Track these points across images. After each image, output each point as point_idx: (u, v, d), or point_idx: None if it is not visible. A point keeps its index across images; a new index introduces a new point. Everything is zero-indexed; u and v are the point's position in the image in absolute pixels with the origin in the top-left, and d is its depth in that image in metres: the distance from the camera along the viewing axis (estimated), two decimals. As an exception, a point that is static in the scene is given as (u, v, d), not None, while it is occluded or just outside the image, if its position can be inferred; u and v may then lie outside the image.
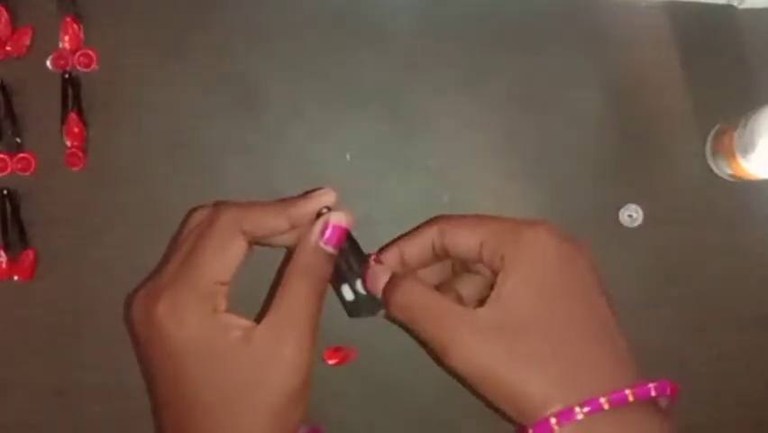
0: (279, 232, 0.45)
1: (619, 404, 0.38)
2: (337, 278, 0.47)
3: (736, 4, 0.57)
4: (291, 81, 0.56)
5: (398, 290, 0.43)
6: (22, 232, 0.55)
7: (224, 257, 0.43)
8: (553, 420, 0.38)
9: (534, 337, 0.40)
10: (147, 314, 0.42)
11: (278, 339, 0.42)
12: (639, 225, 0.57)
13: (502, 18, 0.57)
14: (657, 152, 0.57)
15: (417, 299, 0.43)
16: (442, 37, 0.57)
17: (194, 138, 0.56)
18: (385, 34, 0.57)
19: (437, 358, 0.42)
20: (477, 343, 0.40)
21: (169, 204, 0.56)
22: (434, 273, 0.48)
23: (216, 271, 0.42)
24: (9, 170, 0.55)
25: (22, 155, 0.56)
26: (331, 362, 0.55)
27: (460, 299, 0.46)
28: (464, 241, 0.43)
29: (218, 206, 0.45)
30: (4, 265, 0.55)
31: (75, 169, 0.56)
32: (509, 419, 0.41)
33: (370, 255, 0.47)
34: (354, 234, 0.47)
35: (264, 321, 0.42)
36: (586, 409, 0.38)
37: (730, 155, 0.53)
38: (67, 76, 0.55)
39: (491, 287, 0.42)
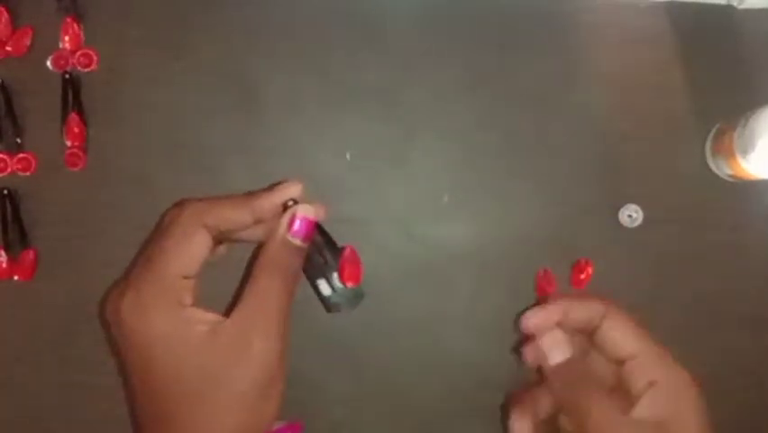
0: (244, 225, 0.44)
1: None
2: (313, 273, 0.46)
3: (735, 4, 0.57)
4: (291, 81, 0.56)
5: (568, 364, 0.46)
6: (22, 232, 0.55)
7: (186, 251, 0.43)
8: None
9: None
10: (115, 312, 0.42)
11: (246, 333, 0.41)
12: (639, 225, 0.57)
13: (502, 18, 0.57)
14: (657, 152, 0.57)
15: (579, 379, 0.46)
16: (442, 37, 0.57)
17: (194, 138, 0.56)
18: (385, 34, 0.57)
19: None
20: None
21: (168, 204, 0.56)
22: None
23: (179, 265, 0.42)
24: (9, 170, 0.55)
25: (22, 155, 0.56)
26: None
27: None
28: (621, 341, 0.46)
29: (182, 202, 0.45)
30: (4, 265, 0.55)
31: (75, 169, 0.56)
32: None
33: (344, 248, 0.46)
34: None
35: (232, 315, 0.42)
36: None
37: (730, 155, 0.53)
38: (67, 76, 0.55)
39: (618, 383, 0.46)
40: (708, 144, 0.57)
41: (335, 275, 0.47)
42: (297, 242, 0.44)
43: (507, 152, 0.57)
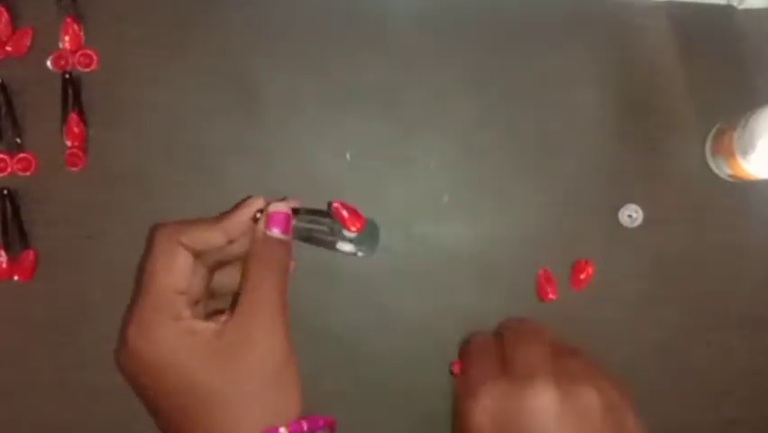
0: (217, 245, 0.46)
1: None
2: (330, 243, 0.48)
3: (735, 4, 0.57)
4: (291, 81, 0.56)
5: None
6: (22, 232, 0.55)
7: (170, 266, 0.44)
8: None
9: None
10: (124, 347, 0.43)
11: (248, 331, 0.42)
12: (639, 225, 0.57)
13: (502, 18, 0.57)
14: (657, 152, 0.57)
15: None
16: (442, 37, 0.57)
17: (194, 138, 0.56)
18: (385, 34, 0.57)
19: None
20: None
21: (169, 204, 0.56)
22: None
23: (168, 280, 0.44)
24: (9, 170, 0.55)
25: (22, 155, 0.56)
26: None
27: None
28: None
29: (155, 225, 0.46)
30: (4, 265, 0.55)
31: (75, 169, 0.56)
32: None
33: (332, 204, 0.48)
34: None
35: (232, 318, 0.43)
36: None
37: (730, 155, 0.53)
38: (67, 76, 0.55)
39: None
40: (708, 144, 0.57)
41: (344, 231, 0.48)
42: (278, 234, 0.45)
43: (508, 152, 0.57)
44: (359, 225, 0.48)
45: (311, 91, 0.56)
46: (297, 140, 0.56)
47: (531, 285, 0.56)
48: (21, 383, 0.55)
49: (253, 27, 0.56)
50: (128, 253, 0.55)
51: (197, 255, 0.45)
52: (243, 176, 0.56)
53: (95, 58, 0.56)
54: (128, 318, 0.44)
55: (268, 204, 0.46)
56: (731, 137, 0.52)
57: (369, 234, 0.49)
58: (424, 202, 0.56)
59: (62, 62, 0.56)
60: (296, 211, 0.47)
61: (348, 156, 0.57)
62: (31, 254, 0.55)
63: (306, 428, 0.43)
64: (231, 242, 0.46)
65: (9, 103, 0.55)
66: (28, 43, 0.56)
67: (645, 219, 0.57)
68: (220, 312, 0.46)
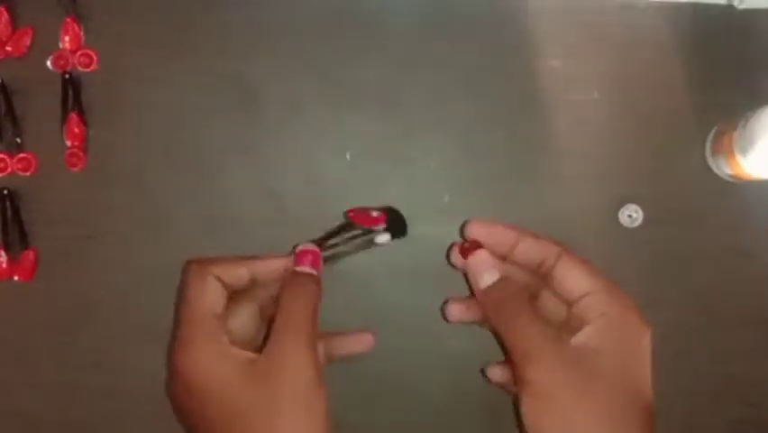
0: (241, 279, 0.48)
1: None
2: (366, 244, 0.52)
3: (735, 4, 0.57)
4: (291, 81, 0.56)
5: (497, 286, 0.48)
6: (22, 232, 0.55)
7: (206, 291, 0.46)
8: None
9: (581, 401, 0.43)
10: (172, 371, 0.45)
11: (276, 355, 0.44)
12: (639, 225, 0.57)
13: (502, 18, 0.57)
14: (657, 152, 0.57)
15: (509, 301, 0.47)
16: (441, 37, 0.57)
17: (194, 138, 0.56)
18: (385, 34, 0.57)
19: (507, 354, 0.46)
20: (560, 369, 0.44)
21: (169, 204, 0.56)
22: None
23: (205, 304, 0.46)
24: (9, 170, 0.55)
25: (22, 155, 0.56)
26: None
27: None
28: (576, 279, 0.47)
29: (188, 261, 0.49)
30: (4, 265, 0.55)
31: (75, 169, 0.56)
32: None
33: (348, 216, 0.51)
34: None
35: (265, 347, 0.45)
36: None
37: (730, 155, 0.53)
38: (67, 76, 0.55)
39: (567, 321, 0.47)
40: (708, 144, 0.57)
41: (373, 234, 0.52)
42: (308, 269, 0.48)
43: (508, 152, 0.57)
44: (381, 220, 0.51)
45: (311, 91, 0.56)
46: (297, 140, 0.56)
47: (531, 285, 0.56)
48: (21, 383, 0.55)
49: (253, 27, 0.56)
50: (128, 253, 0.56)
51: (229, 288, 0.47)
52: (243, 176, 0.56)
53: (95, 58, 0.56)
54: (172, 346, 0.46)
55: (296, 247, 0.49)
56: (731, 137, 0.52)
57: (394, 219, 0.52)
58: (424, 202, 0.56)
59: (62, 62, 0.56)
60: (322, 242, 0.50)
61: (348, 156, 0.57)
62: (31, 254, 0.55)
63: None
64: (254, 280, 0.48)
65: (9, 103, 0.55)
66: (28, 43, 0.56)
67: (645, 219, 0.57)
68: None
